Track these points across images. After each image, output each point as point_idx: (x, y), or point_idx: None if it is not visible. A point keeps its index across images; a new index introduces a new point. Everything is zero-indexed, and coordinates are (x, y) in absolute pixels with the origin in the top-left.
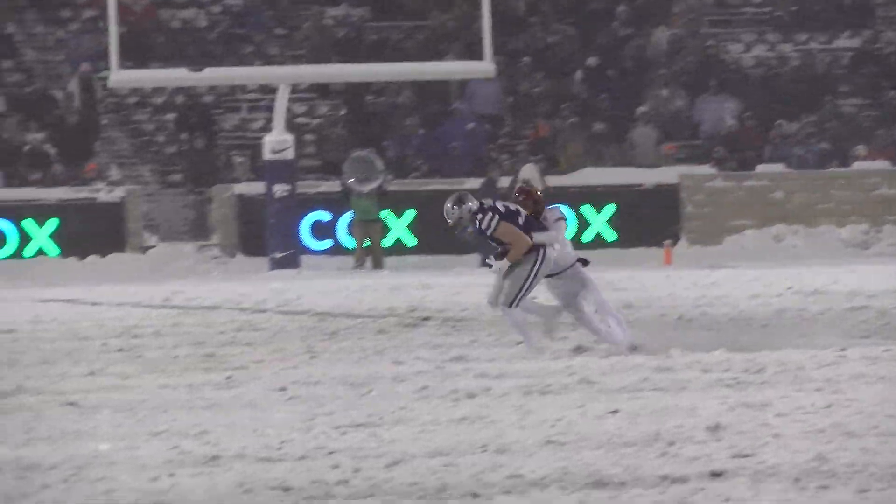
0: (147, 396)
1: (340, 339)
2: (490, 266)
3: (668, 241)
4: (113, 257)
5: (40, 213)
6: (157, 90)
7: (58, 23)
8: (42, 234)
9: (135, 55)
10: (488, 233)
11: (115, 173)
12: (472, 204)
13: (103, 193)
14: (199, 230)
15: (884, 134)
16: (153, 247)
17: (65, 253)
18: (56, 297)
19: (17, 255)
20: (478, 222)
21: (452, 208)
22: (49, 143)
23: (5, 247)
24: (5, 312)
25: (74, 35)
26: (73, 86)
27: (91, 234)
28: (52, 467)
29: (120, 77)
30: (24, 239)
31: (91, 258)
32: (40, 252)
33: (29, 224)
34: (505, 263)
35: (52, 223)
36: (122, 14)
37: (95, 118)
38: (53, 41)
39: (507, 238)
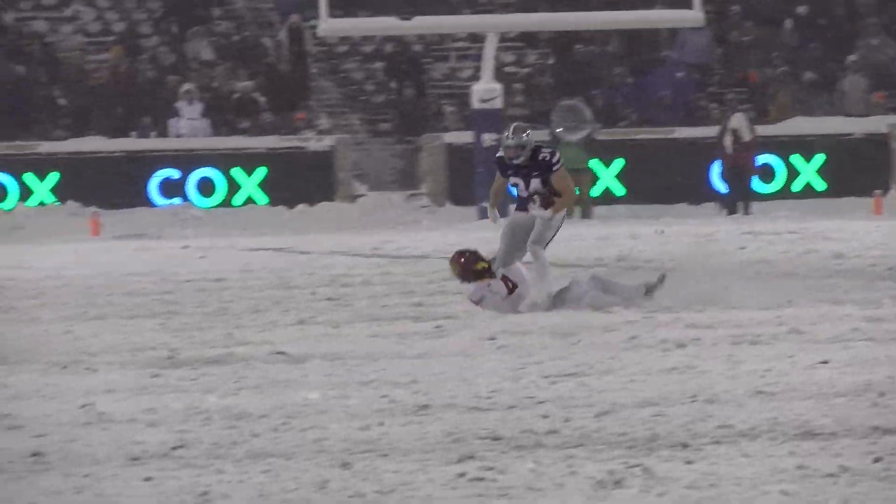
0: (356, 345)
1: None
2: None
3: (878, 191)
4: (322, 206)
5: (249, 161)
6: (367, 39)
7: None
8: (251, 183)
9: (344, 4)
10: (554, 168)
11: (324, 122)
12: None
13: (313, 142)
14: (407, 179)
15: None
16: (362, 196)
17: (273, 202)
18: (265, 245)
19: (226, 203)
20: (547, 155)
21: (523, 135)
22: (258, 91)
23: (214, 195)
24: (215, 261)
25: None
26: (283, 35)
27: (300, 182)
28: (262, 416)
29: (329, 26)
30: (233, 187)
31: (300, 207)
32: (249, 200)
33: (237, 172)
34: (547, 213)
35: (261, 172)
36: None
37: (305, 67)
38: None
39: (562, 184)
